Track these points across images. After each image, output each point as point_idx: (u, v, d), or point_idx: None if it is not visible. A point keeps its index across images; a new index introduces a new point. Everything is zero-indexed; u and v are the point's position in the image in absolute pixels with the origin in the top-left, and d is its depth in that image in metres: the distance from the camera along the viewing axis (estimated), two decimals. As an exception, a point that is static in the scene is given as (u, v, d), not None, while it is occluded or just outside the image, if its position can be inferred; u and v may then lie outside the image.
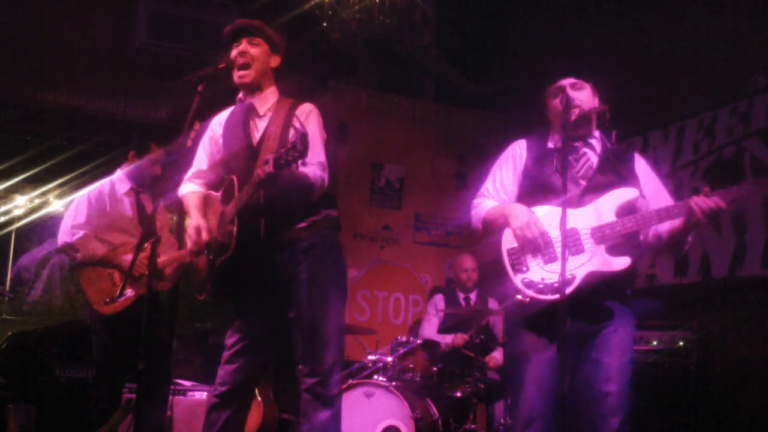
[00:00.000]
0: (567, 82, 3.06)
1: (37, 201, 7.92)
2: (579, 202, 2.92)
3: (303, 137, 2.74)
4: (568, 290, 2.78)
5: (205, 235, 3.14)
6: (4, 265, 8.05)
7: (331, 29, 6.56)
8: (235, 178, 3.15)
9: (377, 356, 5.14)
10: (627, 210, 2.88)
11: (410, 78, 7.48)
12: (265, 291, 3.22)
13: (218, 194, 3.32)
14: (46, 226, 7.97)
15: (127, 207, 4.51)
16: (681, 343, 4.58)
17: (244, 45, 3.27)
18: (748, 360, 4.68)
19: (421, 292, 6.94)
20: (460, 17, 7.42)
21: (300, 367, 3.13)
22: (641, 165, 3.05)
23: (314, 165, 3.08)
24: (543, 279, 2.86)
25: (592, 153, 3.04)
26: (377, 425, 4.63)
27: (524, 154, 3.17)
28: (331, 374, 3.10)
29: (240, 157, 3.26)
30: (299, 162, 2.78)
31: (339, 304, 3.21)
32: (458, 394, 5.00)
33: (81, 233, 4.37)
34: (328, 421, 3.09)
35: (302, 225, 3.16)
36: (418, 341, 5.18)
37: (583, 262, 2.83)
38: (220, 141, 3.39)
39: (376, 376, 4.95)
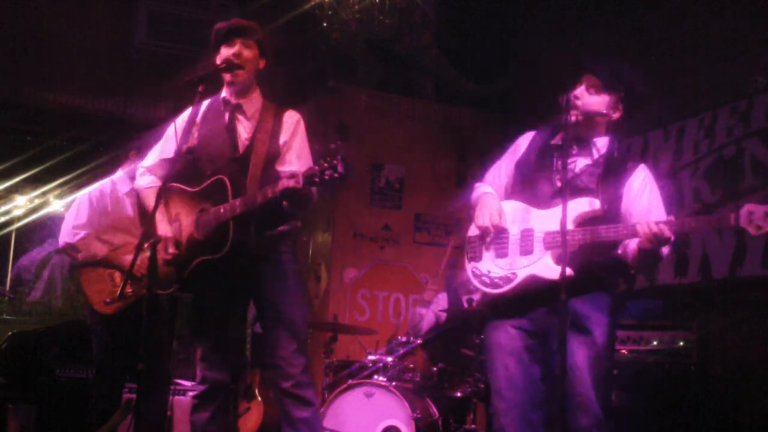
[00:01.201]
0: (588, 81, 2.97)
1: (37, 201, 7.92)
2: (548, 203, 2.90)
3: (345, 160, 2.81)
4: (505, 288, 2.87)
5: (172, 249, 3.22)
6: (4, 265, 8.06)
7: (331, 29, 6.56)
8: (227, 181, 3.15)
9: (377, 356, 5.13)
10: (587, 221, 2.83)
11: (410, 78, 7.48)
12: (236, 291, 3.32)
13: (187, 188, 3.31)
14: (46, 226, 7.97)
15: (129, 207, 4.51)
16: (681, 343, 4.58)
17: (238, 47, 3.27)
18: (748, 360, 4.67)
19: (421, 292, 6.93)
20: (460, 17, 7.41)
21: (276, 369, 3.25)
22: (638, 180, 2.91)
23: None
24: (489, 272, 2.93)
25: (585, 157, 2.97)
26: (377, 425, 4.63)
27: (524, 147, 3.13)
28: (305, 374, 3.23)
29: (223, 158, 3.27)
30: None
31: (305, 308, 3.44)
32: (458, 394, 5.00)
33: (82, 234, 4.36)
34: (309, 418, 3.22)
35: (274, 233, 3.25)
36: (418, 341, 5.18)
37: (527, 263, 2.85)
38: (195, 134, 3.36)
39: (376, 376, 4.95)
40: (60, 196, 7.68)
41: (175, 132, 3.31)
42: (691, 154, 5.26)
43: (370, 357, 5.17)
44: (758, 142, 4.80)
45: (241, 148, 3.27)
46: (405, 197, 7.06)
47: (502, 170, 3.19)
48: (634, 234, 2.71)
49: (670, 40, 5.58)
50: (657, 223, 2.67)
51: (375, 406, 4.66)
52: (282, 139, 3.28)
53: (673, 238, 2.68)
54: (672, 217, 2.73)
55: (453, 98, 7.43)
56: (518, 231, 2.93)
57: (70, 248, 4.40)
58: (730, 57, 5.07)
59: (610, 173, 2.91)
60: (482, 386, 5.00)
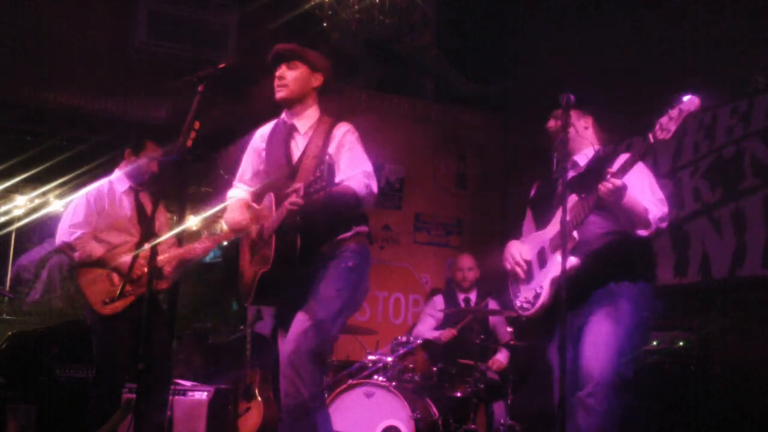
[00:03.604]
0: (552, 115, 3.37)
1: (37, 201, 7.92)
2: (547, 222, 3.30)
3: (330, 168, 2.93)
4: (538, 303, 3.22)
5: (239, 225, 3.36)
6: (4, 265, 8.06)
7: (331, 29, 6.56)
8: (273, 195, 3.27)
9: (377, 356, 5.14)
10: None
11: (410, 78, 7.48)
12: (300, 302, 3.28)
13: (260, 207, 3.41)
14: (46, 226, 7.97)
15: (126, 206, 4.51)
16: (681, 343, 4.58)
17: (282, 69, 3.40)
18: (748, 360, 4.67)
19: (421, 292, 6.94)
20: (460, 17, 7.42)
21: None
22: (618, 164, 3.13)
23: (357, 175, 3.23)
24: (526, 298, 3.31)
25: (572, 171, 3.33)
26: (377, 425, 4.63)
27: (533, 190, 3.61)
28: (304, 364, 3.12)
29: (280, 173, 3.38)
30: (333, 185, 2.98)
31: (340, 307, 3.24)
32: (458, 394, 5.00)
33: (79, 233, 4.37)
34: (300, 407, 3.11)
35: (334, 240, 3.28)
36: (419, 341, 5.18)
37: (547, 274, 3.20)
38: (263, 154, 3.51)
39: (376, 376, 4.95)
40: (60, 196, 7.67)
41: (254, 153, 3.54)
42: (691, 154, 5.25)
43: (370, 357, 5.17)
44: (758, 142, 4.80)
45: (293, 164, 3.36)
46: (405, 197, 7.06)
47: (527, 217, 3.59)
48: (600, 196, 3.00)
49: (670, 40, 5.58)
50: (607, 177, 2.97)
51: (375, 406, 4.66)
52: (330, 151, 3.33)
53: (622, 183, 2.96)
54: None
55: (453, 98, 7.43)
56: (535, 255, 3.32)
57: (67, 247, 4.40)
58: (730, 57, 5.07)
59: (592, 172, 3.23)
60: (482, 386, 5.01)
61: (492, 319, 5.71)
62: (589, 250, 3.12)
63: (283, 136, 3.44)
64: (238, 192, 3.56)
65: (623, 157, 3.13)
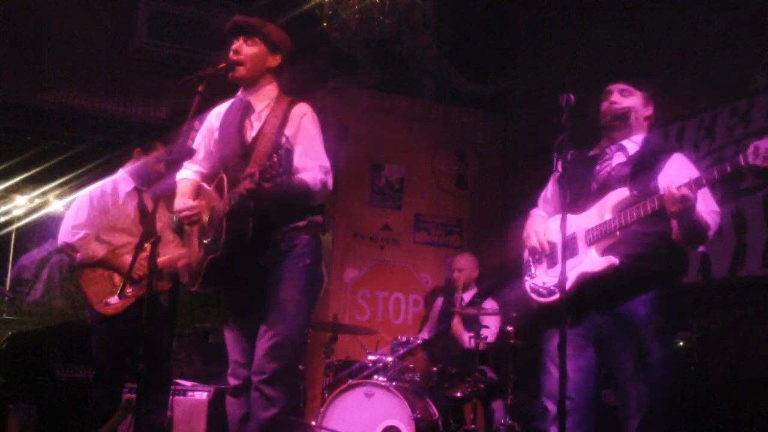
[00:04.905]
0: (616, 87, 3.15)
1: (37, 201, 7.93)
2: (584, 206, 3.03)
3: (288, 153, 2.87)
4: (560, 294, 2.87)
5: (187, 212, 3.23)
6: (4, 265, 8.07)
7: (331, 29, 6.56)
8: (225, 177, 3.18)
9: (377, 356, 5.13)
10: (623, 209, 2.93)
11: (410, 78, 7.47)
12: (252, 290, 3.24)
13: (211, 188, 3.33)
14: (46, 226, 7.98)
15: (130, 207, 4.51)
16: (681, 343, 4.58)
17: (239, 43, 3.27)
18: (748, 360, 4.67)
19: (421, 292, 6.94)
20: (460, 17, 7.42)
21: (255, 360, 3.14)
22: (674, 165, 3.00)
23: (314, 169, 3.12)
24: (544, 283, 3.06)
25: (620, 156, 3.10)
26: (377, 425, 4.62)
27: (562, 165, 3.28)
28: (279, 376, 3.08)
29: (234, 153, 3.28)
30: (290, 172, 2.89)
31: (305, 309, 3.22)
32: (458, 394, 5.00)
33: (81, 233, 4.36)
34: (271, 421, 3.05)
35: (285, 228, 3.19)
36: (418, 341, 5.18)
37: (575, 264, 2.95)
38: (216, 133, 3.40)
39: (376, 376, 4.95)
40: (60, 196, 7.69)
41: (207, 132, 3.40)
42: (691, 154, 5.25)
43: (370, 357, 5.17)
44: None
45: (247, 144, 3.26)
46: (405, 197, 7.05)
47: (548, 192, 3.34)
48: (662, 202, 2.77)
49: (670, 40, 5.58)
50: (678, 186, 2.72)
51: (375, 406, 4.66)
52: (286, 133, 3.21)
53: (695, 196, 2.72)
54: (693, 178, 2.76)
55: (453, 98, 7.43)
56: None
57: (69, 248, 4.40)
58: (730, 57, 5.07)
59: (642, 165, 3.02)
60: (482, 386, 5.01)
61: (486, 319, 5.70)
62: (629, 252, 2.91)
63: (238, 115, 3.31)
64: (187, 173, 3.42)
65: (677, 159, 2.98)
